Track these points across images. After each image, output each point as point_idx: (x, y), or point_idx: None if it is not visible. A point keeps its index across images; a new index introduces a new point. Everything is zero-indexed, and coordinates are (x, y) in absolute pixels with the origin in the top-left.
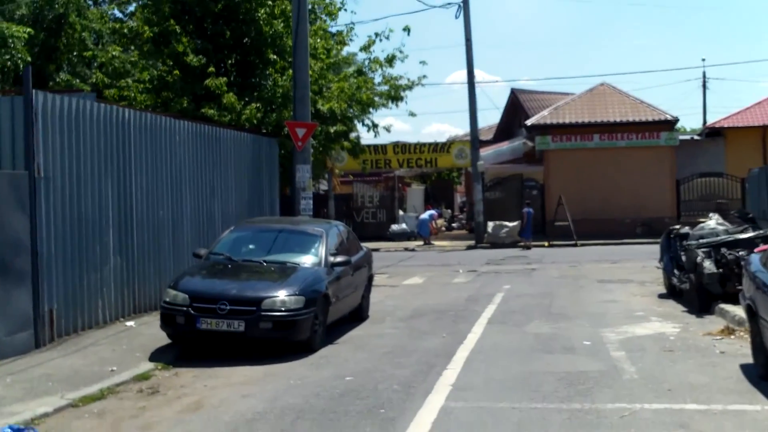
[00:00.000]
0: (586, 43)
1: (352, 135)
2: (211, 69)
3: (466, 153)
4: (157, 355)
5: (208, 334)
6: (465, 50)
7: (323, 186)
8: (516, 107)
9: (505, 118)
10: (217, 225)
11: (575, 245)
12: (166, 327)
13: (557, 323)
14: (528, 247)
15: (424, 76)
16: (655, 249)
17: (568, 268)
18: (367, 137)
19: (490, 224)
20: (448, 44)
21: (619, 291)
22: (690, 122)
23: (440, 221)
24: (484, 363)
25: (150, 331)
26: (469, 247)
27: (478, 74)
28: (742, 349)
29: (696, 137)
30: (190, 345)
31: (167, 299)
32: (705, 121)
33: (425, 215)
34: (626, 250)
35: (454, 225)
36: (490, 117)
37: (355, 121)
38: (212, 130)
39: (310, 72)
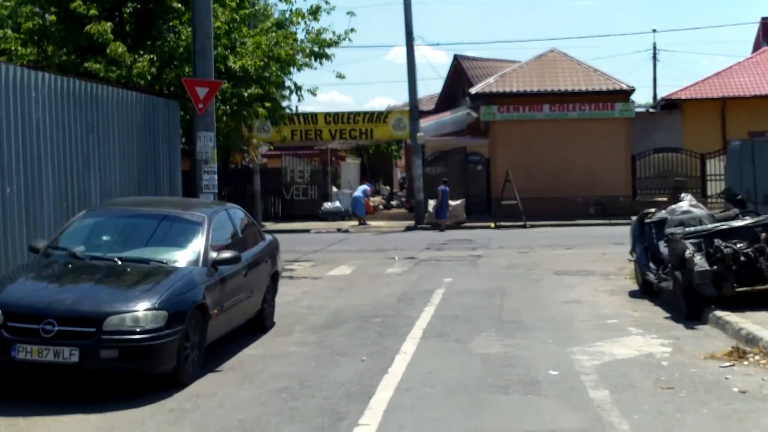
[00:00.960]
0: (533, 3)
1: (285, 103)
2: (94, 12)
3: (404, 123)
4: None
5: (30, 366)
6: (403, 7)
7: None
8: (459, 75)
9: (447, 87)
10: (94, 205)
11: (524, 226)
12: None
13: (512, 337)
14: (443, 229)
15: (353, 30)
16: (611, 231)
17: (519, 256)
18: (301, 106)
19: (432, 203)
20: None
21: (582, 286)
22: (640, 96)
23: (377, 199)
24: (412, 413)
25: None
26: (408, 228)
27: (420, 43)
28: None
29: (651, 110)
30: (10, 377)
31: None
32: (655, 95)
33: (358, 192)
34: (580, 233)
35: (393, 203)
36: (432, 86)
37: (274, 83)
38: (86, 87)
39: (218, 23)
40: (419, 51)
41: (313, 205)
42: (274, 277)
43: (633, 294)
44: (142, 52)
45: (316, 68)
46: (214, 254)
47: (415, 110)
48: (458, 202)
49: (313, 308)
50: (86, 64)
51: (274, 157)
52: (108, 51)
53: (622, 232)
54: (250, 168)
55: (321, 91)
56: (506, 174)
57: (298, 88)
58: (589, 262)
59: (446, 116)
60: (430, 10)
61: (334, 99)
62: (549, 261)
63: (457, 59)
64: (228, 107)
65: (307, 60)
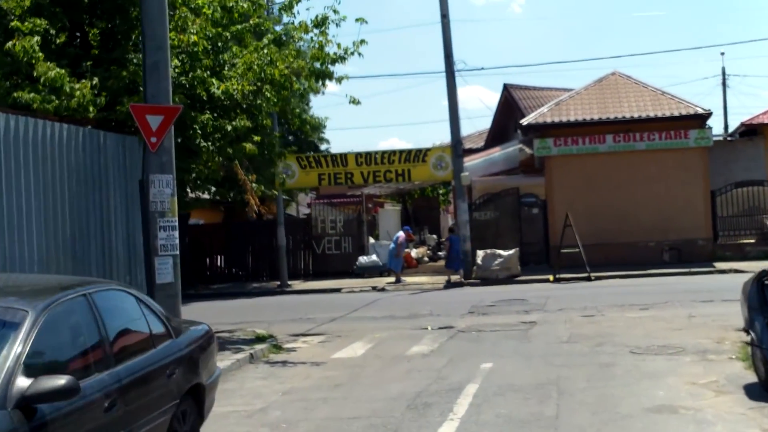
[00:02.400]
0: (589, 27)
1: (323, 147)
2: (16, 24)
3: (446, 162)
4: None
5: None
6: (441, 27)
7: (300, 209)
8: (510, 107)
9: (498, 121)
10: None
11: (588, 279)
12: None
13: None
14: (449, 283)
15: (363, 42)
16: (693, 283)
17: (582, 322)
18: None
19: (480, 253)
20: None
21: (673, 376)
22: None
23: (422, 249)
24: None
25: None
26: (454, 284)
27: (462, 67)
28: None
29: (729, 138)
30: None
31: None
32: (726, 124)
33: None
34: (656, 286)
35: (440, 254)
36: (480, 124)
37: (269, 113)
38: None
39: (195, 37)
40: (468, 87)
41: (348, 259)
42: (196, 394)
43: (752, 391)
44: (96, 79)
45: (323, 93)
46: (25, 383)
47: (458, 146)
48: (511, 252)
49: (279, 428)
50: (15, 94)
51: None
52: (35, 74)
53: (707, 283)
54: (273, 220)
55: (380, 138)
56: (566, 217)
57: (300, 119)
58: (675, 331)
59: (495, 153)
60: (474, 34)
61: (394, 146)
62: (621, 329)
63: (507, 89)
64: (210, 144)
65: (308, 81)
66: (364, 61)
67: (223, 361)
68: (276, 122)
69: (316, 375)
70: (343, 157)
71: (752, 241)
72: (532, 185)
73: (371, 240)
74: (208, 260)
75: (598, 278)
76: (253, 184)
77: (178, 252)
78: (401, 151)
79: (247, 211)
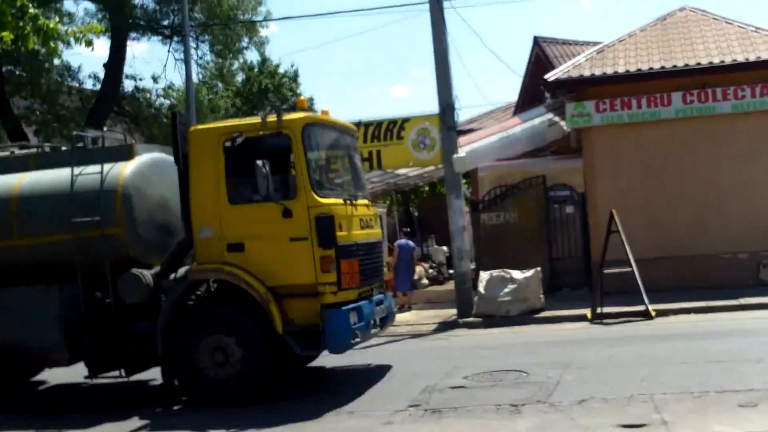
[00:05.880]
0: None
1: None
2: None
3: (432, 138)
4: None
5: None
6: None
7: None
8: (543, 67)
9: (528, 88)
10: None
11: (645, 315)
12: None
13: None
14: (396, 308)
15: None
16: None
17: None
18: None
19: (484, 276)
20: None
21: None
22: None
23: (419, 268)
24: None
25: None
26: (444, 326)
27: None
28: None
29: None
30: None
31: None
32: None
33: None
34: (758, 335)
35: (451, 272)
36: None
37: None
38: None
39: None
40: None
41: None
42: None
43: None
44: None
45: None
46: None
47: (448, 112)
48: (528, 274)
49: None
50: None
51: None
52: None
53: None
54: None
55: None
56: (609, 219)
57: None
58: None
59: (515, 127)
60: None
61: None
62: None
63: (538, 44)
64: None
65: None
66: None
67: None
68: None
69: None
70: None
71: None
72: (567, 171)
73: None
74: None
75: (661, 313)
76: None
77: None
78: (367, 124)
79: None
